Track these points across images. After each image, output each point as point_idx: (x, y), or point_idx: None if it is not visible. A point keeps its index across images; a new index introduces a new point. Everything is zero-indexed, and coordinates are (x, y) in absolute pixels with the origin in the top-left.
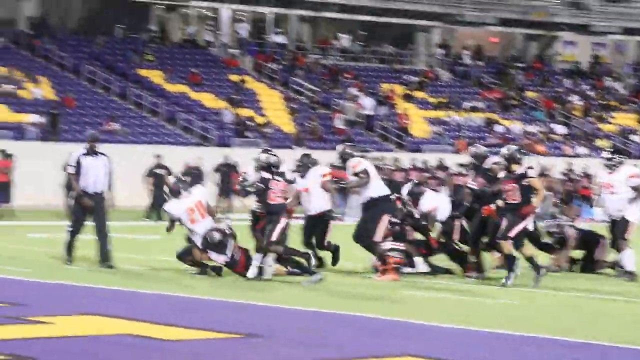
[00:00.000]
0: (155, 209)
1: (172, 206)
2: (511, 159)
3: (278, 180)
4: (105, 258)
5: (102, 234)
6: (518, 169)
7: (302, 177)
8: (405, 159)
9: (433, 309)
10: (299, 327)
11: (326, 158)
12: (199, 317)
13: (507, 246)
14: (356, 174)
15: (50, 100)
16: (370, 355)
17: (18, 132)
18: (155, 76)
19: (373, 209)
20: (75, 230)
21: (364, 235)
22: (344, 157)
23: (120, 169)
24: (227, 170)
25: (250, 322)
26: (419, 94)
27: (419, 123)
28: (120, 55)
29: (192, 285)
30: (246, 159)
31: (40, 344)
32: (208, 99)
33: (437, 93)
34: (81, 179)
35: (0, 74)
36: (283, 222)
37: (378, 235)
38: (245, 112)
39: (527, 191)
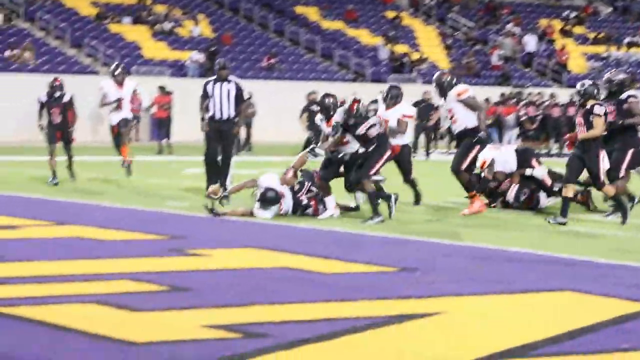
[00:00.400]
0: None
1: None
2: (586, 95)
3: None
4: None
5: (225, 161)
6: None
7: (387, 108)
8: (563, 94)
9: (594, 244)
10: (454, 260)
11: (482, 94)
12: (358, 251)
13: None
14: (464, 100)
15: (208, 38)
16: (530, 289)
17: (177, 69)
18: (312, 13)
19: (468, 138)
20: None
21: (454, 165)
22: (442, 85)
23: (278, 105)
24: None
25: (406, 257)
26: (578, 29)
27: (577, 59)
28: None
29: (350, 222)
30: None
31: (198, 276)
32: (364, 36)
33: (596, 28)
34: (209, 105)
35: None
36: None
37: (464, 164)
38: (401, 49)
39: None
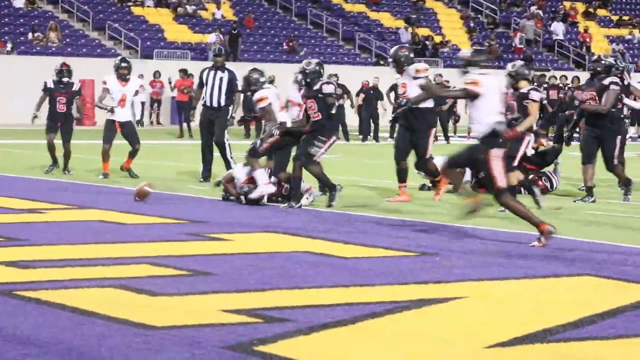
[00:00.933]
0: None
1: None
2: (518, 75)
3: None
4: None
5: (219, 148)
6: (524, 87)
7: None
8: (586, 77)
9: (613, 229)
10: (474, 245)
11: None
12: (378, 235)
13: None
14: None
15: (230, 21)
16: (551, 274)
17: (199, 52)
18: None
19: (421, 122)
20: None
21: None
22: (398, 59)
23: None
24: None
25: (426, 241)
26: (601, 12)
27: (599, 41)
28: None
29: (369, 205)
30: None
31: (218, 261)
32: (386, 19)
33: (619, 10)
34: (203, 93)
35: None
36: None
37: (429, 150)
38: (423, 32)
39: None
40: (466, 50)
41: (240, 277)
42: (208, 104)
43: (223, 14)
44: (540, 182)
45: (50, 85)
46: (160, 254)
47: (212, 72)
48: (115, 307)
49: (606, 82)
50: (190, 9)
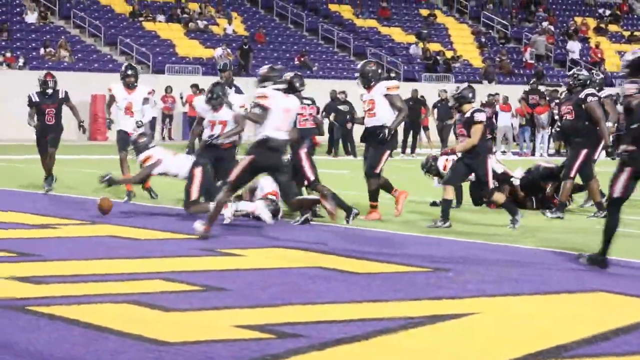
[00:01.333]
0: (334, 144)
1: None
2: (461, 99)
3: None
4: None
5: None
6: (468, 110)
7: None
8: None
9: (627, 244)
10: (488, 260)
11: (515, 93)
12: (391, 251)
13: None
14: (391, 96)
15: (242, 36)
16: (564, 290)
17: (210, 67)
18: (346, 11)
19: (377, 141)
20: None
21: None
22: (366, 74)
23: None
24: (415, 105)
25: (440, 257)
26: (612, 27)
27: (611, 57)
28: None
29: (384, 221)
30: (435, 93)
31: (231, 276)
32: (397, 34)
33: (631, 26)
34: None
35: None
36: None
37: (379, 167)
38: (434, 47)
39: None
40: (264, 67)
41: (253, 292)
42: None
43: (234, 29)
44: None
45: (35, 98)
46: (173, 269)
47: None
48: (128, 322)
49: (582, 95)
50: (201, 24)
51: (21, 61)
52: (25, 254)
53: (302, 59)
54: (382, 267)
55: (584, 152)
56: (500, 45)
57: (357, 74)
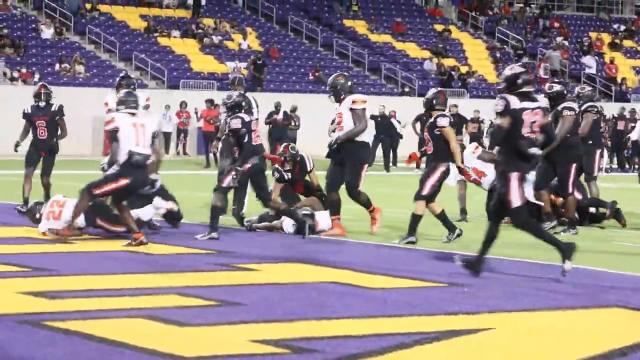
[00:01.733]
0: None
1: None
2: (428, 104)
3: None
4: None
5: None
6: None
7: None
8: (613, 109)
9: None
10: (502, 275)
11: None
12: (405, 266)
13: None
14: (355, 110)
15: (257, 51)
16: (580, 305)
17: (225, 83)
18: (360, 26)
19: (352, 157)
20: None
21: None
22: (335, 87)
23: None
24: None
25: (453, 272)
26: (627, 43)
27: (626, 72)
28: (326, 6)
29: (397, 237)
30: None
31: (246, 291)
32: (412, 49)
33: None
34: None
35: None
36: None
37: (360, 184)
38: (449, 62)
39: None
40: (120, 94)
41: (268, 307)
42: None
43: (249, 45)
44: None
45: (28, 110)
46: (189, 284)
47: None
48: (143, 337)
49: (559, 107)
50: (216, 39)
51: (37, 77)
52: (39, 268)
53: (317, 74)
54: (397, 282)
55: (574, 166)
56: (515, 61)
57: (328, 87)
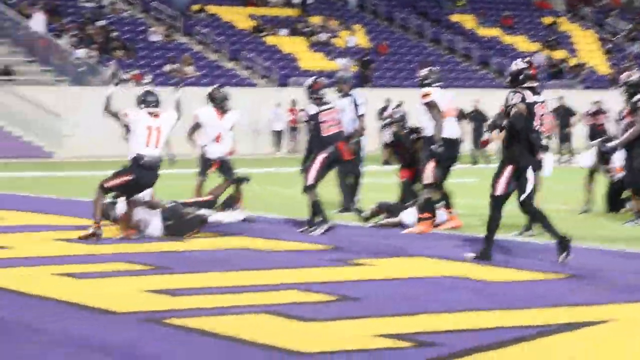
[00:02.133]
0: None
1: None
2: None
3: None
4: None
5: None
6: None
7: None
8: None
9: None
10: (623, 267)
11: None
12: (523, 258)
13: None
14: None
15: (365, 48)
16: None
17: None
18: (468, 21)
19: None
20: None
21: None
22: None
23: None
24: (563, 113)
25: (574, 264)
26: None
27: None
28: (433, 1)
29: (512, 229)
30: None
31: (365, 286)
32: (521, 42)
33: None
34: None
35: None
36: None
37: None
38: (559, 54)
39: None
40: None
41: (387, 301)
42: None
43: (357, 42)
44: None
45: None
46: (308, 280)
47: (339, 99)
48: (266, 333)
49: (635, 99)
50: (324, 37)
51: (149, 78)
52: (158, 266)
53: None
54: (517, 274)
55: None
56: (627, 51)
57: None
